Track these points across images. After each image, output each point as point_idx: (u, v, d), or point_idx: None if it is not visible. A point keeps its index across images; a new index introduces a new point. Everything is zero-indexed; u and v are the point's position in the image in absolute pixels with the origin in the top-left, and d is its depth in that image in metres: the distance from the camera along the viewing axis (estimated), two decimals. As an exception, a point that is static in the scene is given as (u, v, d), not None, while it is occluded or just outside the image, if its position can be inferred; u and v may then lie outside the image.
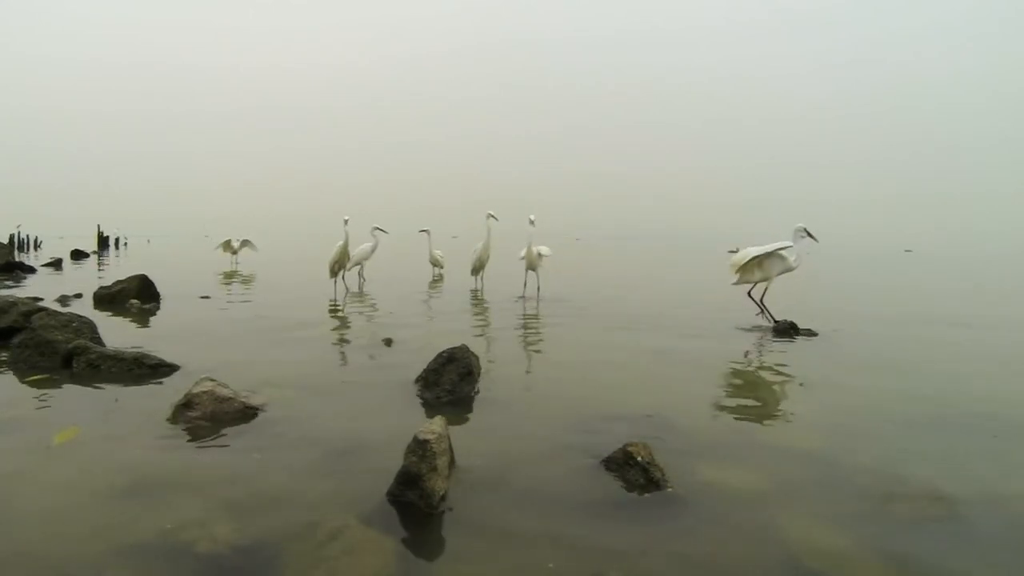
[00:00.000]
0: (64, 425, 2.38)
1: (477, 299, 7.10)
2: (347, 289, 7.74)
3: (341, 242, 7.28)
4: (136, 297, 5.98)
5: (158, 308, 5.85)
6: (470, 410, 2.80)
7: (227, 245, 13.13)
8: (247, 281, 9.44)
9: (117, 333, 4.27)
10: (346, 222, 7.22)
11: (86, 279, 8.94)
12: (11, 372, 3.23)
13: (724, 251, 24.08)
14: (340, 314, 5.83)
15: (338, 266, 7.41)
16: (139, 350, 3.40)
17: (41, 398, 2.85)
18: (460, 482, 1.94)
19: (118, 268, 11.89)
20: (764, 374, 3.58)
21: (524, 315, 5.87)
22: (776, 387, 3.29)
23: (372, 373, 3.40)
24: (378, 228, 8.34)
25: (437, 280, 9.39)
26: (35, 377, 3.14)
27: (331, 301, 6.56)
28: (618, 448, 2.08)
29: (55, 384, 3.04)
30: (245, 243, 13.09)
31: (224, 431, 2.40)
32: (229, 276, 10.19)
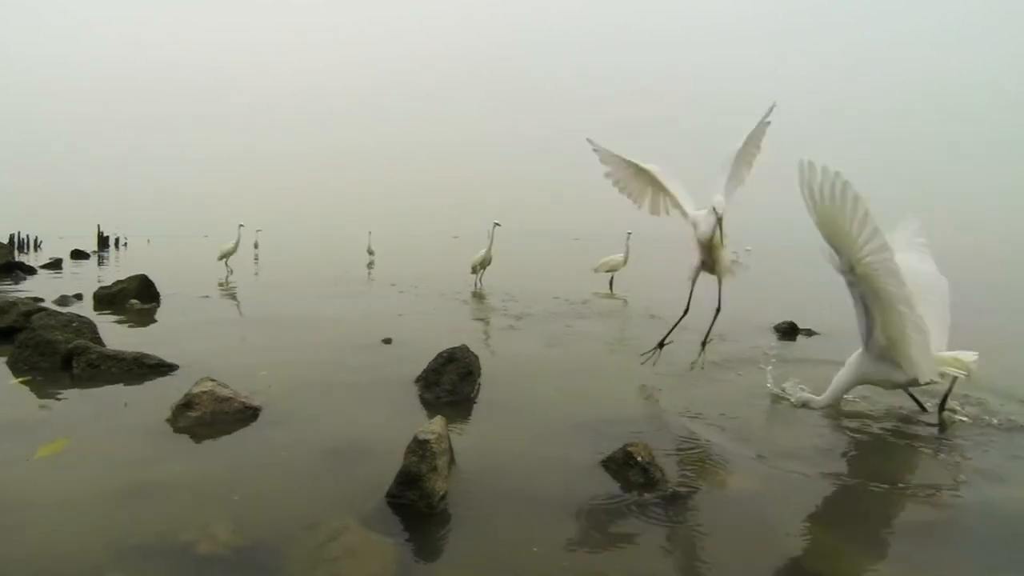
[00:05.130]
0: (55, 436, 2.31)
1: (477, 299, 7.10)
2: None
3: (483, 250, 8.12)
4: (136, 297, 5.97)
5: (158, 308, 5.85)
6: (470, 410, 2.80)
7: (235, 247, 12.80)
8: (246, 281, 9.44)
9: (117, 333, 4.27)
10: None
11: (86, 279, 8.93)
12: (11, 372, 3.23)
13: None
14: (340, 314, 5.83)
15: (480, 267, 8.25)
16: (139, 350, 3.40)
17: (41, 398, 2.85)
18: (460, 482, 1.94)
19: (118, 268, 11.88)
20: (764, 374, 3.58)
21: (524, 314, 5.86)
22: (776, 388, 3.29)
23: (372, 373, 3.40)
24: (496, 223, 8.43)
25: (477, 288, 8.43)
26: (35, 377, 3.14)
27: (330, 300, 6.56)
28: (618, 448, 2.08)
29: (55, 384, 3.04)
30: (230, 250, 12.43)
31: (224, 431, 2.40)
32: (230, 277, 10.18)
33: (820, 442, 2.43)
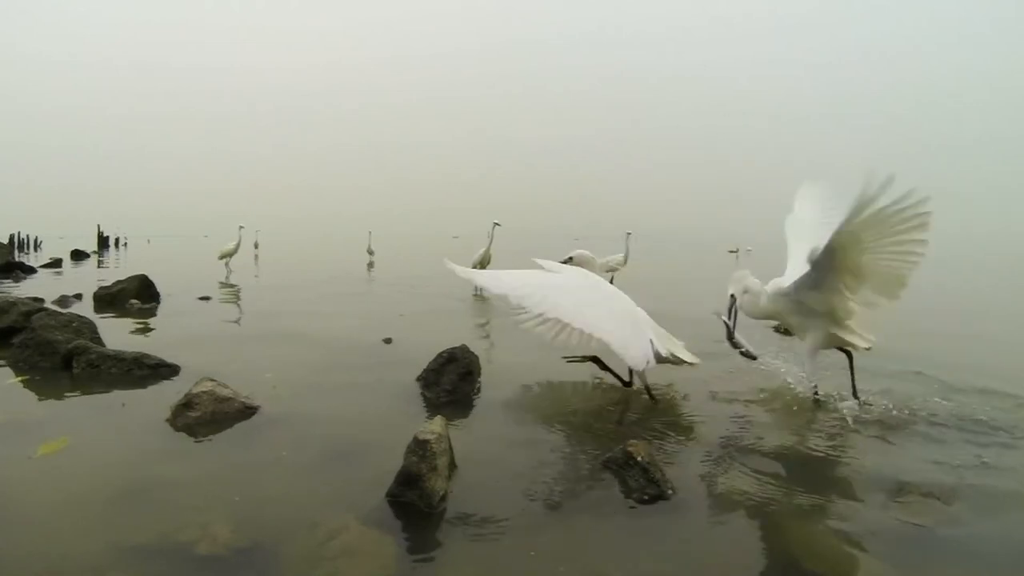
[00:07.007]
0: (55, 435, 2.31)
1: (477, 298, 7.10)
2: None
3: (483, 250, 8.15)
4: (136, 297, 5.97)
5: (158, 308, 5.85)
6: (470, 410, 2.80)
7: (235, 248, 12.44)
8: (247, 281, 9.44)
9: (117, 333, 4.27)
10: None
11: (86, 279, 8.93)
12: (11, 372, 3.23)
13: (724, 250, 24.11)
14: (340, 313, 5.83)
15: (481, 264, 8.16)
16: (139, 350, 3.40)
17: (41, 398, 2.85)
18: (460, 482, 1.95)
19: (118, 268, 11.88)
20: (764, 376, 3.58)
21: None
22: (776, 388, 3.29)
23: (372, 373, 3.40)
24: (496, 223, 8.50)
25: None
26: (35, 377, 3.14)
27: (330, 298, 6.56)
28: (618, 448, 2.08)
29: (55, 384, 3.04)
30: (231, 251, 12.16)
31: (224, 431, 2.40)
32: (231, 277, 10.19)
33: (821, 444, 2.43)
